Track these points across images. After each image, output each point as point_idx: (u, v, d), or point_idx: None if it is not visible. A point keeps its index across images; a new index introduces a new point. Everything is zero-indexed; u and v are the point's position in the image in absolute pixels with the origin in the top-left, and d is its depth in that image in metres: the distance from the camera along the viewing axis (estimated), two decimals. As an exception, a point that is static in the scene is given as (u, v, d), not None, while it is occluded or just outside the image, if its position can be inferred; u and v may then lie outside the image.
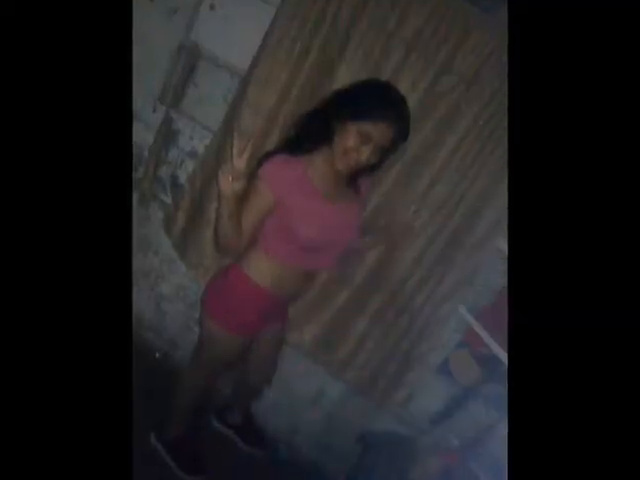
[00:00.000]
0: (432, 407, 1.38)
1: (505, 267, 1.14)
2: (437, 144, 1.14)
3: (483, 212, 1.17)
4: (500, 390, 1.17)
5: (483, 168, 1.14)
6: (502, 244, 1.18)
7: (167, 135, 1.35)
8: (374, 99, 0.90)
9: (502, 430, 1.10)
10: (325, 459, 1.55)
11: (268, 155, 0.96)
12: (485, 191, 1.16)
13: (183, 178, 1.38)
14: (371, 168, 0.99)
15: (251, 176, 0.91)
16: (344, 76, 1.11)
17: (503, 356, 1.13)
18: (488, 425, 1.18)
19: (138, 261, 1.50)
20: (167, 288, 1.53)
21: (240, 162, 0.84)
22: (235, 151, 0.84)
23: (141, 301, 1.55)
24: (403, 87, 1.04)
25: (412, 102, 1.02)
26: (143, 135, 1.36)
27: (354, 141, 0.90)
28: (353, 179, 1.03)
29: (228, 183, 0.86)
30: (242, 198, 0.90)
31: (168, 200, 1.42)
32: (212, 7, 1.22)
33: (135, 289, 1.48)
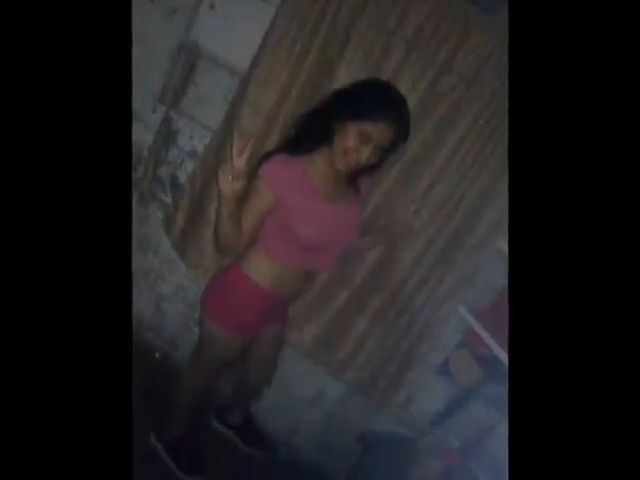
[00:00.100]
0: (432, 407, 1.38)
1: (505, 267, 1.13)
2: (437, 144, 1.14)
3: (483, 212, 1.17)
4: (500, 390, 1.17)
5: (483, 168, 1.14)
6: (502, 244, 1.18)
7: (167, 135, 1.35)
8: (374, 99, 0.90)
9: (502, 431, 1.10)
10: (325, 460, 1.55)
11: (268, 155, 0.96)
12: (485, 191, 1.16)
13: (183, 178, 1.38)
14: (371, 168, 0.99)
15: (251, 176, 0.91)
16: (344, 76, 1.10)
17: (503, 356, 1.13)
18: (488, 426, 1.17)
19: (138, 261, 1.49)
20: (167, 288, 1.53)
21: (240, 162, 0.84)
22: (235, 151, 0.84)
23: (141, 301, 1.55)
24: (403, 87, 1.04)
25: (412, 102, 1.02)
26: (143, 135, 1.36)
27: (354, 141, 0.90)
28: (353, 179, 1.03)
29: (228, 183, 0.85)
30: (242, 198, 0.90)
31: (168, 200, 1.42)
32: (212, 6, 1.21)
33: (135, 289, 1.48)
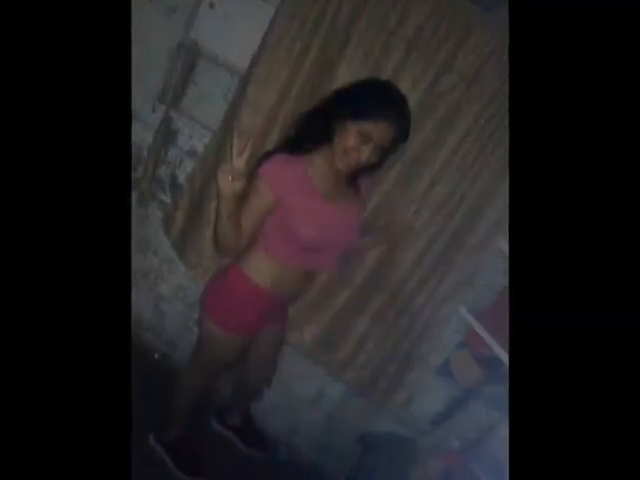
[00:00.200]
0: (433, 408, 1.38)
1: (506, 267, 1.14)
2: (437, 144, 1.14)
3: (484, 212, 1.17)
4: (501, 391, 1.17)
5: (484, 168, 1.14)
6: (503, 244, 1.18)
7: (166, 134, 1.35)
8: (374, 98, 0.90)
9: (503, 431, 1.09)
10: (325, 460, 1.55)
11: (268, 154, 0.96)
12: (486, 191, 1.16)
13: (182, 178, 1.38)
14: (371, 168, 0.99)
15: (251, 176, 0.91)
16: (344, 75, 1.10)
17: (504, 357, 1.13)
18: (489, 426, 1.17)
19: (137, 261, 1.49)
20: (166, 288, 1.53)
21: (240, 161, 0.84)
22: (235, 150, 0.84)
23: (140, 302, 1.54)
24: (403, 86, 1.03)
25: (412, 102, 1.02)
26: (142, 135, 1.35)
27: (354, 140, 0.90)
28: (353, 179, 1.03)
29: (228, 183, 0.85)
30: (242, 198, 0.90)
31: (167, 200, 1.42)
32: (212, 6, 1.21)
33: (134, 289, 1.48)
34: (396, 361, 1.33)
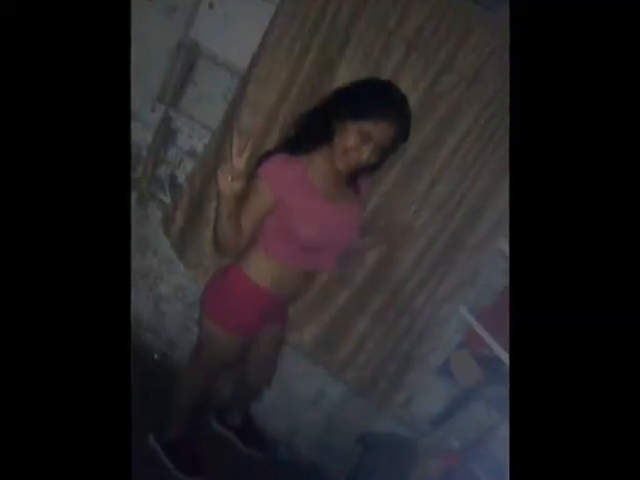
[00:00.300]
0: (433, 408, 1.38)
1: (506, 267, 1.14)
2: (438, 144, 1.14)
3: (484, 212, 1.17)
4: (501, 391, 1.16)
5: (484, 168, 1.14)
6: (503, 244, 1.18)
7: (166, 134, 1.35)
8: (375, 98, 0.90)
9: (504, 431, 1.09)
10: (325, 460, 1.55)
11: (268, 154, 0.96)
12: (486, 191, 1.15)
13: (182, 178, 1.38)
14: (371, 168, 0.99)
15: (250, 176, 0.91)
16: (344, 75, 1.10)
17: (504, 357, 1.13)
18: (489, 426, 1.17)
19: (136, 261, 1.49)
20: (166, 288, 1.53)
21: (240, 161, 0.84)
22: (234, 150, 0.84)
23: (140, 302, 1.54)
24: (404, 86, 1.03)
25: (413, 101, 1.02)
26: (142, 134, 1.35)
27: (354, 140, 0.89)
28: (353, 179, 1.03)
29: (227, 183, 0.85)
30: (241, 198, 0.90)
31: (167, 200, 1.42)
32: (211, 5, 1.21)
33: (133, 290, 1.48)
34: (396, 361, 1.33)
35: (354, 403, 1.44)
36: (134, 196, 1.42)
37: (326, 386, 1.46)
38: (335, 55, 1.11)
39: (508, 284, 1.04)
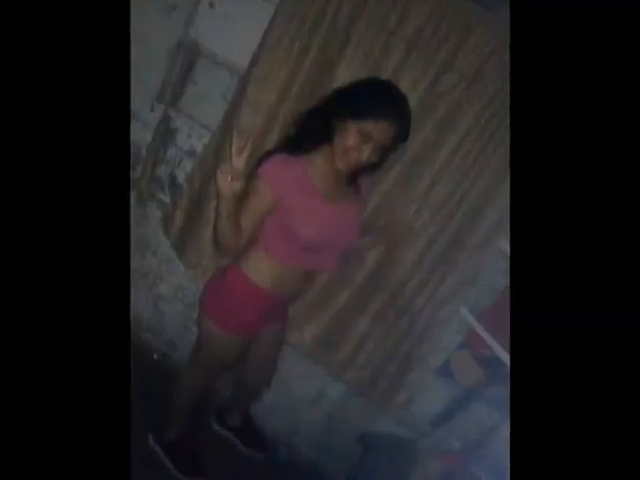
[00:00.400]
0: (433, 409, 1.38)
1: (507, 267, 1.14)
2: (438, 144, 1.14)
3: (485, 212, 1.17)
4: (502, 392, 1.16)
5: (485, 168, 1.14)
6: (504, 244, 1.17)
7: (165, 134, 1.35)
8: (375, 98, 0.89)
9: (504, 432, 1.09)
10: (325, 460, 1.55)
11: (268, 154, 0.96)
12: (487, 191, 1.15)
13: (181, 177, 1.37)
14: (371, 167, 0.99)
15: (250, 175, 0.91)
16: (344, 75, 1.10)
17: (505, 357, 1.13)
18: (490, 427, 1.17)
19: (136, 261, 1.49)
20: (165, 288, 1.52)
21: (239, 161, 0.84)
22: (234, 150, 0.83)
23: (139, 302, 1.54)
24: (404, 86, 1.03)
25: (413, 101, 1.02)
26: (141, 134, 1.35)
27: (354, 140, 0.89)
28: (353, 178, 1.03)
29: (227, 182, 0.85)
30: (241, 198, 0.90)
31: (166, 199, 1.41)
32: (211, 4, 1.21)
33: (133, 290, 1.48)
34: (396, 361, 1.33)
35: (354, 403, 1.44)
36: (133, 196, 1.42)
37: (326, 386, 1.46)
38: (335, 55, 1.11)
39: (509, 284, 1.03)
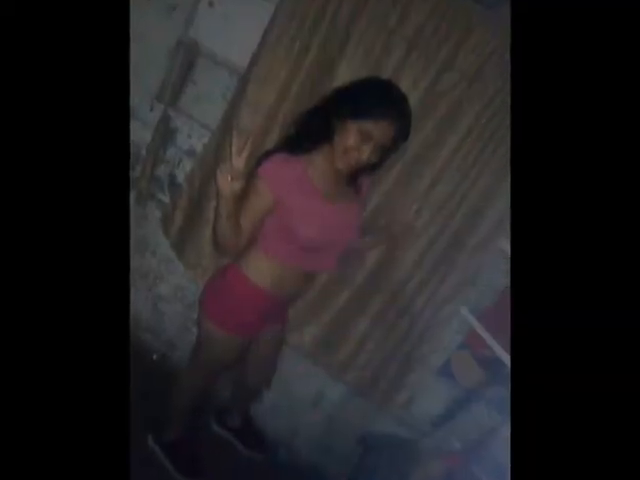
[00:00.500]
0: (434, 409, 1.37)
1: (508, 267, 1.14)
2: (438, 143, 1.14)
3: (485, 212, 1.17)
4: (503, 392, 1.16)
5: (485, 167, 1.14)
6: (505, 244, 1.17)
7: (165, 133, 1.34)
8: (375, 97, 0.89)
9: (505, 433, 1.09)
10: (325, 461, 1.54)
11: (268, 154, 0.96)
12: (487, 191, 1.15)
13: (181, 177, 1.37)
14: (372, 167, 0.99)
15: (250, 175, 0.90)
16: (344, 74, 1.10)
17: (506, 358, 1.12)
18: (491, 428, 1.17)
19: (135, 261, 1.49)
20: (165, 289, 1.52)
21: (239, 161, 0.83)
22: (234, 150, 0.83)
23: (138, 302, 1.54)
24: (404, 85, 1.03)
25: (413, 101, 1.01)
26: (140, 133, 1.35)
27: (355, 140, 0.89)
28: (353, 178, 1.02)
29: (227, 182, 0.85)
30: (241, 197, 0.90)
31: (166, 199, 1.41)
32: (211, 4, 1.21)
33: (132, 290, 1.47)
34: (397, 362, 1.33)
35: (354, 404, 1.44)
36: (133, 196, 1.42)
37: (326, 387, 1.46)
38: (335, 54, 1.11)
39: (509, 284, 1.03)
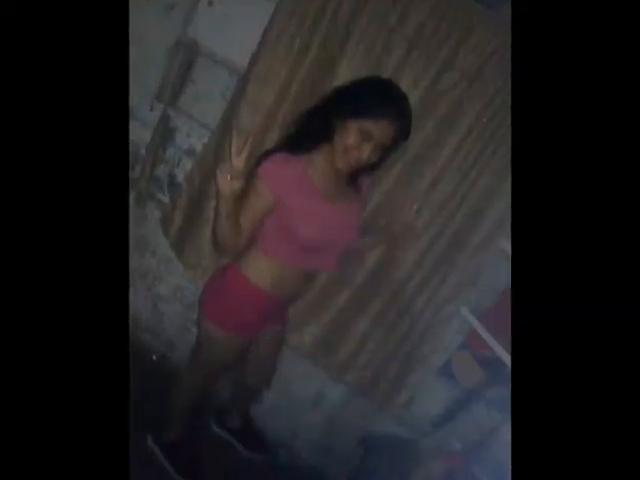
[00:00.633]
0: (434, 410, 1.37)
1: (508, 267, 1.13)
2: (439, 142, 1.14)
3: (486, 212, 1.17)
4: (503, 393, 1.16)
5: (486, 167, 1.14)
6: (505, 244, 1.17)
7: (164, 133, 1.34)
8: (375, 96, 0.89)
9: (505, 433, 1.09)
10: (326, 462, 1.54)
11: (267, 154, 0.95)
12: (488, 190, 1.15)
13: (181, 177, 1.37)
14: (372, 167, 0.98)
15: (250, 175, 0.90)
16: (344, 73, 1.10)
17: (506, 358, 1.12)
18: (491, 428, 1.17)
19: (135, 262, 1.48)
20: (164, 289, 1.52)
21: (239, 161, 0.83)
22: (234, 149, 0.83)
23: (138, 302, 1.53)
24: (404, 85, 1.03)
25: (413, 100, 1.01)
26: (140, 133, 1.35)
27: (355, 139, 0.89)
28: (354, 178, 1.02)
29: (226, 182, 0.84)
30: (241, 197, 0.89)
31: (165, 199, 1.41)
32: (210, 3, 1.21)
33: (132, 290, 1.47)
34: (397, 362, 1.33)
35: (355, 404, 1.44)
36: (132, 196, 1.41)
37: (326, 387, 1.46)
38: (336, 52, 1.10)
39: (510, 285, 1.03)
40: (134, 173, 1.39)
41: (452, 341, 1.30)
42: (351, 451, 1.41)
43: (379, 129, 0.88)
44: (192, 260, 1.35)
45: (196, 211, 1.30)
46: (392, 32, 1.06)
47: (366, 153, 0.90)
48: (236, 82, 1.22)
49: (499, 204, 1.15)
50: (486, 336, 1.18)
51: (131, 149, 1.36)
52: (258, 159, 0.94)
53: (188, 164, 1.35)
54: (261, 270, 1.01)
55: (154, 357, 1.60)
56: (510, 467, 0.52)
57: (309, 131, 0.95)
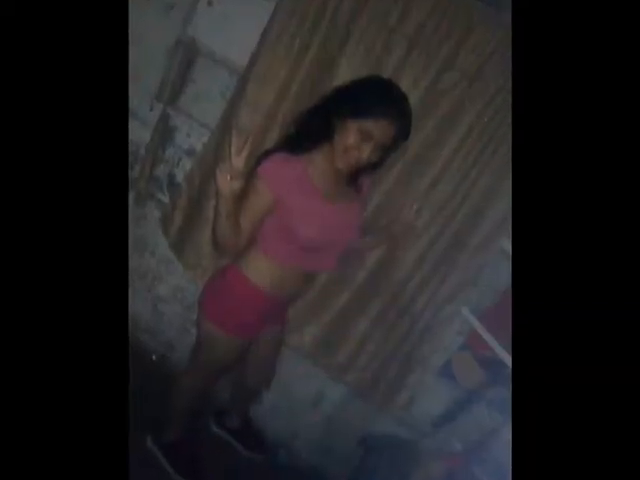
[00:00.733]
0: (434, 410, 1.37)
1: (509, 267, 1.13)
2: (439, 142, 1.13)
3: (486, 212, 1.16)
4: (504, 393, 1.16)
5: (486, 167, 1.13)
6: (506, 244, 1.17)
7: (164, 133, 1.34)
8: (375, 96, 0.89)
9: (506, 434, 1.09)
10: (325, 463, 1.54)
11: (267, 153, 0.95)
12: (489, 190, 1.15)
13: (180, 177, 1.37)
14: (372, 167, 0.98)
15: (250, 175, 0.90)
16: (344, 73, 1.09)
17: (507, 358, 1.12)
18: (492, 429, 1.17)
19: (134, 262, 1.48)
20: (164, 289, 1.52)
21: (239, 160, 0.83)
22: (233, 149, 0.83)
23: (137, 303, 1.53)
24: (405, 84, 1.03)
25: (414, 100, 1.01)
26: (139, 133, 1.34)
27: (355, 139, 0.89)
28: (354, 178, 1.02)
29: (226, 182, 0.84)
30: (241, 197, 0.89)
31: (165, 199, 1.41)
32: (210, 3, 1.21)
33: (131, 290, 1.47)
34: (397, 362, 1.33)
35: (355, 405, 1.44)
36: (132, 196, 1.41)
37: (326, 388, 1.46)
38: (335, 52, 1.10)
39: (510, 284, 1.03)
40: (134, 173, 1.39)
41: (452, 341, 1.30)
42: (351, 451, 1.41)
43: (379, 129, 0.88)
44: (192, 260, 1.35)
45: (196, 211, 1.30)
46: (392, 32, 1.06)
47: (366, 153, 0.90)
48: (236, 82, 1.22)
49: (500, 204, 1.15)
50: (487, 336, 1.18)
51: (131, 149, 1.36)
52: (258, 159, 0.94)
53: (188, 164, 1.35)
54: (261, 270, 1.01)
55: (154, 357, 1.60)
56: (510, 468, 0.52)
57: (309, 131, 0.95)
